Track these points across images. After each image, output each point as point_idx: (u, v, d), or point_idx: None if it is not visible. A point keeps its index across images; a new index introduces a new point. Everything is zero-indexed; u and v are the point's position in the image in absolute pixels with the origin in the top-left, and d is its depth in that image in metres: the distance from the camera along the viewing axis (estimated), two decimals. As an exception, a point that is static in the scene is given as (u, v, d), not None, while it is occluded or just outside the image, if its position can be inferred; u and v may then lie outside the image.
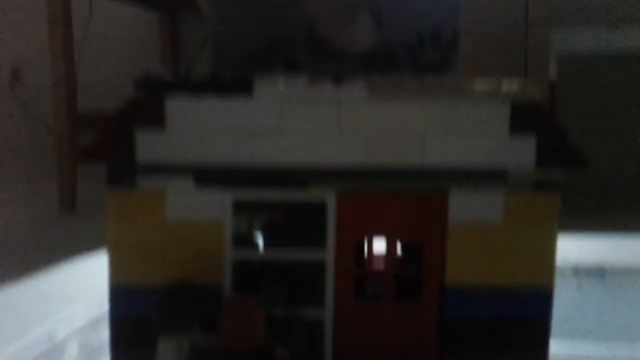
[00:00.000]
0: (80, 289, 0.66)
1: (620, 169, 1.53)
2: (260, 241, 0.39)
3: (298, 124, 0.35)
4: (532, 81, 0.36)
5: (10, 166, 2.20)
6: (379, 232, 0.37)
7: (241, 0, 0.38)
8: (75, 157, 1.56)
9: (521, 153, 0.35)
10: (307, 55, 0.39)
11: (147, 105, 0.34)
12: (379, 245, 0.40)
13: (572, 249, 0.67)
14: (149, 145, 0.35)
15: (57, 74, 1.52)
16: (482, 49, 1.26)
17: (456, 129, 0.35)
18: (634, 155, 1.59)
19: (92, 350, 0.50)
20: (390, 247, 0.38)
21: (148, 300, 0.34)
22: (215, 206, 0.36)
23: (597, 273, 0.71)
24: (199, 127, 0.35)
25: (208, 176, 0.35)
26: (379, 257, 0.43)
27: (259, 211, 0.38)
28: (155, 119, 0.34)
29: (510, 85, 0.35)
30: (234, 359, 0.31)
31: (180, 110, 0.35)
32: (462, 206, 0.36)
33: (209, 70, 0.38)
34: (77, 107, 1.58)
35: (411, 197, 0.36)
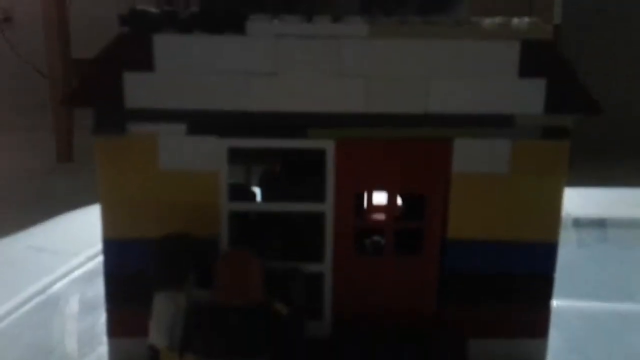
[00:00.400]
0: (77, 241, 0.65)
1: (628, 112, 1.50)
2: (257, 192, 0.38)
3: (294, 63, 0.33)
4: (542, 20, 0.34)
5: (5, 114, 2.17)
6: (379, 182, 0.36)
7: None
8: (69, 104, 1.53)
9: (530, 97, 0.33)
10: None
11: (134, 44, 0.32)
12: (380, 197, 0.39)
13: (573, 200, 0.66)
14: (137, 89, 0.33)
15: (49, 17, 1.48)
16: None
17: (462, 70, 0.33)
18: (640, 97, 1.56)
19: (89, 304, 0.50)
20: (391, 198, 0.36)
21: (142, 253, 0.33)
22: (210, 155, 0.34)
23: (598, 225, 0.70)
24: (189, 68, 0.33)
25: (201, 122, 0.34)
26: (379, 208, 0.41)
27: (256, 160, 0.37)
28: (144, 59, 0.32)
29: (520, 24, 0.33)
30: (231, 314, 0.31)
31: (169, 49, 0.32)
32: (467, 155, 0.34)
33: (199, 6, 0.36)
34: (70, 52, 1.54)
35: (413, 146, 0.34)
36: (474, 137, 0.34)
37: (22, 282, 0.54)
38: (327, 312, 0.36)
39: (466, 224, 0.35)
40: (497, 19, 0.33)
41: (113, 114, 0.33)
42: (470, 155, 0.34)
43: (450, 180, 0.35)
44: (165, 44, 0.32)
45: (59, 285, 0.55)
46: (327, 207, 0.35)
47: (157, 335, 0.32)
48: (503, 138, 0.34)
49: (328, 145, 0.34)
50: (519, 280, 0.36)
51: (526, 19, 0.33)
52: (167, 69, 0.33)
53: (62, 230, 0.75)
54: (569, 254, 0.50)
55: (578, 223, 0.70)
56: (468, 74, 0.33)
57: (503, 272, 0.36)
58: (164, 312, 0.32)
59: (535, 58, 0.33)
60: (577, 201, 0.74)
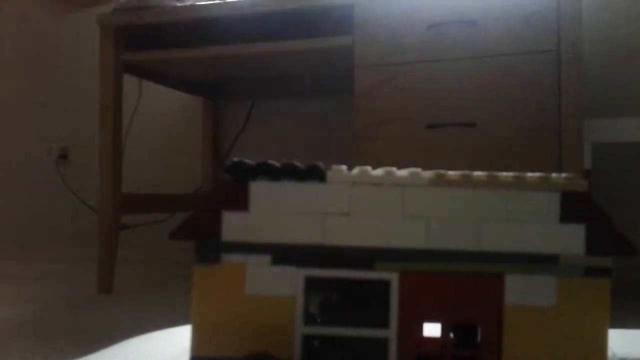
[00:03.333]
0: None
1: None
2: (328, 317, 0.42)
3: (365, 206, 0.39)
4: (577, 173, 0.40)
5: (51, 243, 2.27)
6: (439, 312, 0.40)
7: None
8: (116, 238, 1.61)
9: (571, 240, 0.38)
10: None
11: (234, 189, 0.39)
12: (435, 326, 0.43)
13: (618, 340, 0.69)
14: (233, 226, 0.39)
15: (105, 154, 1.61)
16: (518, 137, 1.31)
17: (510, 215, 0.38)
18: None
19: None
20: (447, 327, 0.40)
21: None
22: (289, 283, 0.39)
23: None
24: (277, 209, 0.39)
25: (283, 255, 0.39)
26: (435, 337, 0.45)
27: (329, 289, 0.41)
28: (240, 201, 0.39)
29: (558, 178, 0.39)
30: None
31: (262, 193, 0.39)
32: (518, 289, 0.39)
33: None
34: (121, 188, 1.66)
35: (469, 279, 0.39)
36: (523, 272, 0.39)
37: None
38: None
39: (518, 353, 0.39)
40: (538, 174, 0.39)
41: (212, 246, 0.39)
42: (521, 289, 0.39)
43: (502, 311, 0.39)
44: (259, 189, 0.39)
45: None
46: (391, 333, 0.39)
47: None
48: (549, 275, 0.38)
49: (393, 277, 0.39)
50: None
51: (564, 174, 0.39)
52: (258, 210, 0.39)
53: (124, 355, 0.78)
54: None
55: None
56: (516, 218, 0.38)
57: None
58: None
59: (574, 207, 0.38)
60: (621, 342, 0.75)
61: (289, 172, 0.39)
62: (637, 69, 1.75)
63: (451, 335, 0.43)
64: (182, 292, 1.72)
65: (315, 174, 0.39)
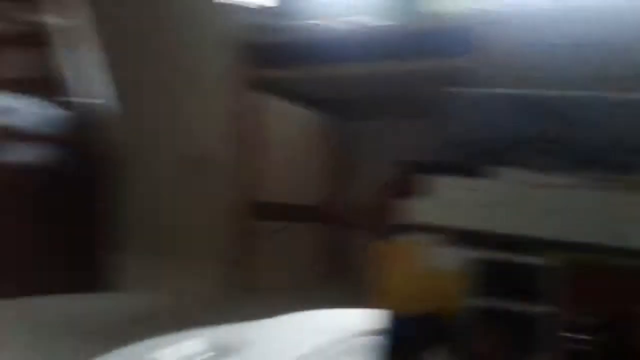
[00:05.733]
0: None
1: None
2: (493, 292, 0.51)
3: (530, 202, 0.48)
4: None
5: (193, 245, 2.42)
6: (605, 305, 0.46)
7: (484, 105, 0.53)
8: (254, 239, 1.74)
9: None
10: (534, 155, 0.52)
11: (418, 180, 0.50)
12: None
13: None
14: (415, 210, 0.49)
15: (241, 167, 1.76)
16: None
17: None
18: None
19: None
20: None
21: (409, 328, 0.48)
22: (461, 262, 0.49)
23: None
24: (454, 199, 0.49)
25: (458, 237, 0.49)
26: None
27: (496, 271, 0.50)
28: (423, 190, 0.49)
29: None
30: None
31: (441, 184, 0.49)
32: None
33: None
34: (255, 195, 1.80)
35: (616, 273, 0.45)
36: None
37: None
38: None
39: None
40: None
41: (397, 226, 0.50)
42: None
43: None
44: (439, 181, 0.50)
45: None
46: (553, 311, 0.47)
47: None
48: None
49: (551, 263, 0.46)
50: None
51: None
52: (437, 197, 0.49)
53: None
54: None
55: None
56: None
57: None
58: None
59: None
60: None
61: (466, 169, 0.50)
62: None
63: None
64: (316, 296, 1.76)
65: (487, 173, 0.49)
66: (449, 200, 0.49)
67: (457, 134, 0.53)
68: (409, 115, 2.02)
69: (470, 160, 0.51)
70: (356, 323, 0.64)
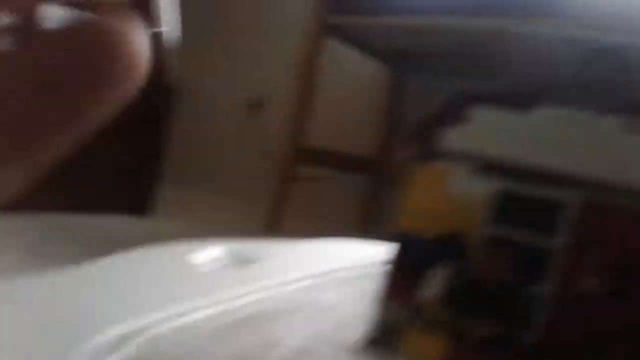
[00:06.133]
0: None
1: None
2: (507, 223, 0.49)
3: (569, 140, 0.45)
4: None
5: (226, 186, 2.51)
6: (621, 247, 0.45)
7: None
8: (290, 184, 1.77)
9: None
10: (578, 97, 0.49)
11: (457, 110, 0.48)
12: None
13: None
14: (451, 136, 0.48)
15: (295, 111, 1.77)
16: None
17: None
18: None
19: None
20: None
21: (417, 247, 0.47)
22: (484, 190, 0.47)
23: None
24: (488, 128, 0.47)
25: (485, 166, 0.47)
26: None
27: (516, 202, 0.48)
28: (460, 119, 0.48)
29: None
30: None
31: (480, 114, 0.47)
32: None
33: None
34: (304, 141, 1.81)
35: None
36: None
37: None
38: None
39: None
40: None
41: (432, 151, 0.48)
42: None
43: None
44: (477, 112, 0.48)
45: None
46: (561, 246, 0.45)
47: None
48: None
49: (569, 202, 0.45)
50: None
51: None
52: (472, 126, 0.48)
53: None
54: None
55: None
56: None
57: None
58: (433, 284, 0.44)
59: None
60: None
61: (501, 100, 0.47)
62: None
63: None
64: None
65: (523, 104, 0.47)
66: (483, 129, 0.47)
67: (508, 73, 0.51)
68: (475, 76, 1.96)
69: (514, 93, 0.48)
70: (375, 254, 0.64)
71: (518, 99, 0.47)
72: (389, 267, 0.48)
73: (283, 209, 1.80)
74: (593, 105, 0.47)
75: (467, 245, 0.46)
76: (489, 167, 0.47)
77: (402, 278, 0.48)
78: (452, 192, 0.48)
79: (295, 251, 0.71)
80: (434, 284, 0.44)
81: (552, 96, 0.49)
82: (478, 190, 0.47)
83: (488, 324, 0.42)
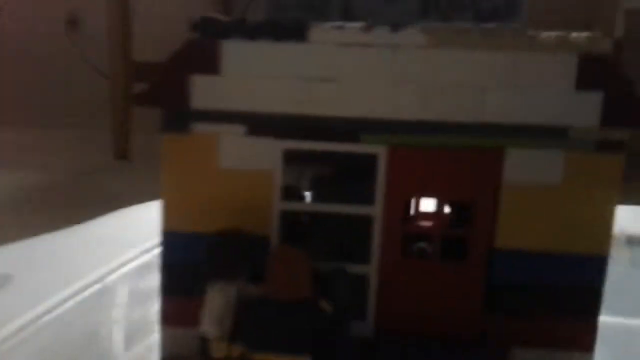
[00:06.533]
0: (133, 235, 0.68)
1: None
2: (309, 193, 0.39)
3: (351, 70, 0.34)
4: (600, 34, 0.34)
5: (66, 113, 2.27)
6: (429, 189, 0.36)
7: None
8: (129, 105, 1.59)
9: (585, 110, 0.33)
10: (364, 0, 0.37)
11: (203, 49, 0.34)
12: (429, 203, 0.40)
13: (628, 218, 0.65)
14: (203, 91, 0.35)
15: (113, 21, 1.55)
16: (547, 2, 1.20)
17: (518, 81, 0.33)
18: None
19: (142, 294, 0.52)
20: (440, 205, 0.37)
21: (198, 247, 0.35)
22: (266, 156, 0.36)
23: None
24: (253, 72, 0.35)
25: (260, 124, 0.35)
26: (427, 216, 0.42)
27: (309, 163, 0.38)
28: (211, 63, 0.34)
29: (578, 38, 0.33)
30: (279, 308, 0.32)
31: (236, 54, 0.34)
32: (519, 165, 0.35)
33: (264, 15, 0.38)
34: (132, 55, 1.61)
35: (465, 154, 0.35)
36: (527, 147, 0.34)
37: (78, 272, 0.56)
38: (371, 313, 0.37)
39: (515, 234, 0.35)
40: (555, 33, 0.34)
41: (179, 114, 0.35)
42: (523, 165, 0.34)
43: (500, 189, 0.35)
44: (232, 50, 0.34)
45: (113, 276, 0.57)
46: (376, 211, 0.36)
47: (208, 325, 0.33)
48: (556, 149, 0.34)
49: (380, 151, 0.35)
50: (567, 293, 0.36)
51: (585, 33, 0.34)
52: (232, 73, 0.35)
53: (119, 224, 0.78)
54: (622, 272, 0.49)
55: (632, 241, 0.68)
56: (524, 84, 0.33)
57: (550, 283, 0.36)
58: (216, 303, 0.33)
59: (593, 71, 0.33)
60: (632, 219, 0.72)
61: (265, 30, 0.34)
62: None
63: (447, 212, 0.40)
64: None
65: (296, 33, 0.34)
66: (246, 76, 0.34)
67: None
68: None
69: (274, 18, 0.35)
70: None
71: (278, 26, 0.34)
72: (161, 283, 0.37)
73: (128, 130, 1.63)
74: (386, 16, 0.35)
75: (257, 241, 0.35)
76: (266, 124, 0.35)
77: (178, 298, 0.37)
78: (228, 168, 0.36)
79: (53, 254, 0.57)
80: (216, 305, 0.33)
81: (325, 13, 0.37)
82: (260, 158, 0.35)
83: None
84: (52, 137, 1.98)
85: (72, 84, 2.22)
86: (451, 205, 0.42)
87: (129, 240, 0.65)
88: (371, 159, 0.35)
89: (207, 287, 0.34)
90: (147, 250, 0.62)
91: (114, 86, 1.59)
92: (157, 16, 2.04)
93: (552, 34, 0.34)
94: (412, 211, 0.44)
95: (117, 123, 1.64)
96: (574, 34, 0.33)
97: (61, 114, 2.25)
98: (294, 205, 0.37)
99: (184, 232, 0.36)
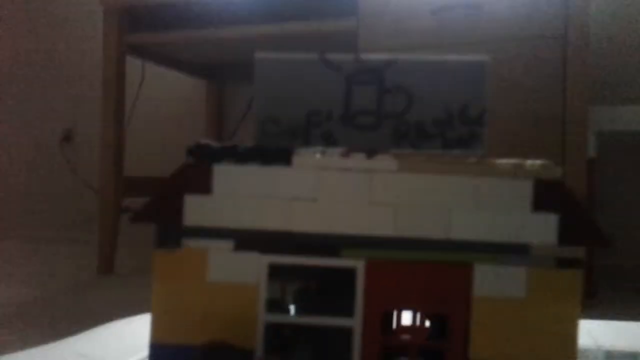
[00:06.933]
0: (119, 349, 0.68)
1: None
2: (292, 306, 0.41)
3: (331, 191, 0.38)
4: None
5: (53, 224, 2.28)
6: (405, 302, 0.39)
7: (283, 79, 0.42)
8: (117, 220, 1.62)
9: (544, 229, 0.37)
10: (343, 129, 0.42)
11: (197, 172, 0.38)
12: (407, 316, 0.42)
13: (604, 332, 0.67)
14: (195, 209, 0.38)
15: (107, 136, 1.61)
16: (520, 124, 1.29)
17: (480, 203, 0.37)
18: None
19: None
20: (420, 318, 0.39)
21: (186, 359, 0.36)
22: (252, 270, 0.38)
23: (632, 358, 0.69)
24: (241, 193, 0.38)
25: (247, 241, 0.38)
26: (406, 327, 0.44)
27: (293, 277, 0.40)
28: (203, 184, 0.38)
29: (533, 165, 0.37)
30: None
31: (226, 177, 0.38)
32: (487, 279, 0.37)
33: (254, 141, 0.42)
34: (123, 171, 1.66)
35: (438, 269, 0.38)
36: (492, 263, 0.37)
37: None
38: None
39: (487, 345, 0.37)
40: (513, 160, 0.38)
41: (172, 230, 0.38)
42: (490, 279, 0.37)
43: (471, 302, 0.37)
44: (223, 172, 0.38)
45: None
46: (356, 323, 0.38)
47: None
48: (520, 265, 0.37)
49: (359, 265, 0.38)
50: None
51: (538, 161, 0.38)
52: (222, 193, 0.38)
53: (105, 338, 0.78)
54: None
55: (611, 356, 0.69)
56: (486, 206, 0.37)
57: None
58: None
59: (547, 195, 0.37)
60: (609, 334, 0.74)
61: (253, 155, 0.38)
62: (647, 55, 1.71)
63: (427, 325, 0.42)
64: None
65: (281, 158, 0.38)
66: (235, 196, 0.37)
67: (260, 106, 0.42)
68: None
69: (264, 143, 0.39)
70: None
71: (267, 151, 0.38)
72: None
73: (114, 244, 1.63)
74: (362, 141, 0.40)
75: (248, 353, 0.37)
76: (255, 241, 0.38)
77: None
78: (216, 281, 0.38)
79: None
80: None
81: (312, 137, 0.41)
82: (246, 272, 0.38)
83: None
84: (37, 250, 1.98)
85: (60, 197, 2.26)
86: (430, 319, 0.44)
87: (112, 357, 0.65)
88: (351, 273, 0.38)
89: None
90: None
91: (103, 200, 1.63)
92: (149, 135, 2.13)
93: (510, 161, 0.38)
94: (394, 325, 0.46)
95: (103, 237, 1.66)
96: (529, 162, 0.38)
97: (48, 225, 2.27)
98: (278, 318, 0.39)
99: (172, 344, 0.38)
